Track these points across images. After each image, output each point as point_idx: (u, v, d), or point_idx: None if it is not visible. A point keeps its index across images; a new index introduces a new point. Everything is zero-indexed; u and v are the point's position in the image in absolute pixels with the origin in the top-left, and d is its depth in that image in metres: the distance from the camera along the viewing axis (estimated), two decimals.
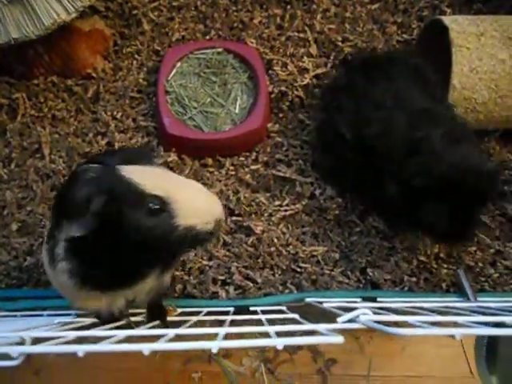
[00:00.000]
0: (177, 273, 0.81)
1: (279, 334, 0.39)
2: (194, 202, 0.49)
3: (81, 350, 0.31)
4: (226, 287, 0.80)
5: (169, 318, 0.57)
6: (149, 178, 0.48)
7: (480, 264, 0.82)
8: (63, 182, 0.75)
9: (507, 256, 0.82)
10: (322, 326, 0.38)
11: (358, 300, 0.69)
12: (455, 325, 0.41)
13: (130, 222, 0.46)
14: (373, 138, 0.67)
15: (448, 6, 0.96)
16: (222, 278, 0.80)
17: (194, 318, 0.53)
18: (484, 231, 0.84)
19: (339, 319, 0.39)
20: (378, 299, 0.69)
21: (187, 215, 0.48)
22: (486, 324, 0.40)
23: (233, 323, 0.56)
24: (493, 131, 0.87)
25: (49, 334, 0.37)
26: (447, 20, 0.77)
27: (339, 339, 0.32)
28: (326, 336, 0.33)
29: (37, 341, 0.38)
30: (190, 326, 0.49)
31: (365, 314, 0.39)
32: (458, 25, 0.76)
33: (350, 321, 0.40)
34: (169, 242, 0.47)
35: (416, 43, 0.89)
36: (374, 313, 0.43)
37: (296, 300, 0.72)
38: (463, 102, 0.76)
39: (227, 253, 0.82)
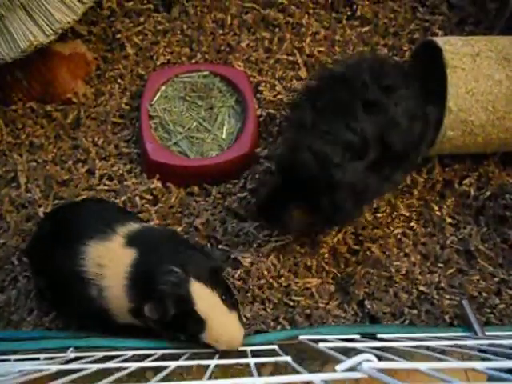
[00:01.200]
0: None
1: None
2: (221, 330, 0.60)
3: None
4: None
5: (145, 364, 0.51)
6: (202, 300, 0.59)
7: (484, 294, 0.77)
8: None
9: None
10: (319, 376, 0.33)
11: (357, 337, 0.63)
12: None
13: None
14: None
15: (439, 28, 0.95)
16: None
17: (174, 363, 0.47)
18: (485, 259, 0.80)
19: (338, 367, 0.34)
20: (379, 336, 0.63)
21: (211, 337, 0.60)
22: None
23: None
24: (492, 154, 0.84)
25: None
26: (440, 41, 0.75)
27: None
28: None
29: None
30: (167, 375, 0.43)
31: (368, 360, 0.34)
32: (452, 45, 0.74)
33: (350, 369, 0.35)
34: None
35: (408, 66, 0.86)
36: (377, 356, 0.37)
37: (289, 337, 0.66)
38: (460, 124, 0.73)
39: None
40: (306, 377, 0.33)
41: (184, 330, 0.61)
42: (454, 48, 0.73)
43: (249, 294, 0.77)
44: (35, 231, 0.76)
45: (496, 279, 0.78)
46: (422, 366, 0.33)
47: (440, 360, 0.38)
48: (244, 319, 0.75)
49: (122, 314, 0.64)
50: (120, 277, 0.62)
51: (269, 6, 0.96)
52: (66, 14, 0.76)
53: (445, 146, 0.76)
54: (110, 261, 0.63)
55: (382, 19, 0.96)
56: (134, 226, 0.66)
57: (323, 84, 0.74)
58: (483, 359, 0.44)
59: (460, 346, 0.52)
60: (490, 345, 0.54)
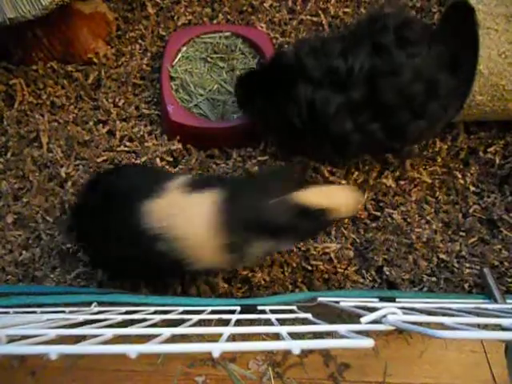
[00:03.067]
0: None
1: (292, 336, 0.34)
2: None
3: (53, 351, 0.26)
4: (232, 285, 0.75)
5: (168, 317, 0.52)
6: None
7: (506, 263, 0.76)
8: None
9: None
10: (343, 327, 0.33)
11: (375, 300, 0.63)
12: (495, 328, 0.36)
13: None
14: None
15: None
16: (227, 275, 0.75)
17: (196, 317, 0.48)
18: (509, 228, 0.79)
19: (363, 319, 0.34)
20: (397, 300, 0.63)
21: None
22: None
23: (239, 323, 0.51)
24: None
25: (27, 331, 0.32)
26: (473, 0, 0.71)
27: (369, 342, 0.27)
28: (353, 339, 0.27)
29: (22, 338, 0.34)
30: (191, 326, 0.44)
31: (393, 313, 0.34)
32: (485, 5, 0.70)
33: (374, 321, 0.35)
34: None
35: (437, 28, 0.83)
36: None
37: (307, 299, 0.66)
38: (490, 88, 0.70)
39: None
40: (330, 327, 0.34)
41: None
42: (488, 8, 0.70)
43: (268, 258, 0.78)
44: (80, 200, 0.74)
45: None
46: (447, 320, 0.33)
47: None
48: (264, 281, 0.76)
49: (204, 258, 0.63)
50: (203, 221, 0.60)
51: None
52: None
53: (472, 112, 0.74)
54: (181, 211, 0.61)
55: None
56: (185, 177, 0.66)
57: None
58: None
59: (479, 312, 0.51)
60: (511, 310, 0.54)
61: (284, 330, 0.33)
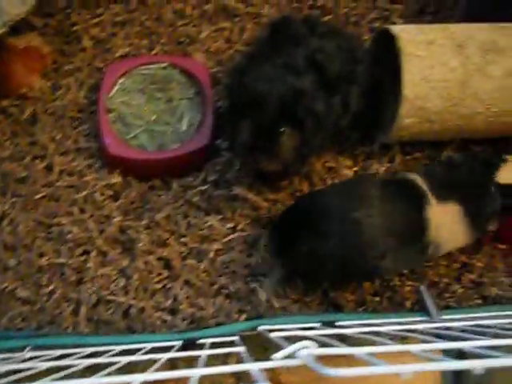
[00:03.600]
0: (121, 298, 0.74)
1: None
2: None
3: None
4: (173, 317, 0.73)
5: (98, 361, 0.50)
6: None
7: (445, 280, 0.78)
8: None
9: (473, 269, 0.79)
10: (255, 365, 0.33)
11: (317, 325, 0.63)
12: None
13: None
14: None
15: (399, 16, 0.95)
16: (167, 306, 0.74)
17: (124, 360, 0.46)
18: None
19: (274, 355, 0.33)
20: (337, 323, 0.64)
21: None
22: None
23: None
24: (450, 142, 0.85)
25: None
26: (395, 29, 0.75)
27: None
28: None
29: None
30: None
31: (306, 347, 0.34)
32: (407, 33, 0.74)
33: (289, 356, 0.34)
34: None
35: (367, 54, 0.86)
36: (323, 344, 0.37)
37: (249, 328, 0.66)
38: (417, 111, 0.73)
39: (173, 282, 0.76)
40: (243, 366, 0.33)
41: None
42: (409, 35, 0.73)
43: (214, 287, 0.77)
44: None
45: (457, 265, 0.79)
46: (358, 351, 0.33)
47: (382, 344, 0.38)
48: (206, 312, 0.75)
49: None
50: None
51: None
52: (15, 5, 0.74)
53: (403, 133, 0.77)
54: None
55: (342, 9, 0.96)
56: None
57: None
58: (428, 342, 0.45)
59: (413, 330, 0.52)
60: (439, 328, 0.55)
61: (196, 372, 0.33)
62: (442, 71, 0.72)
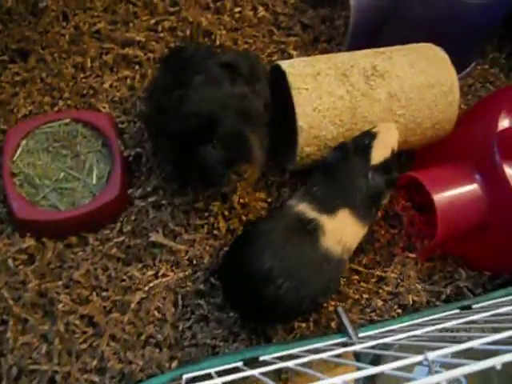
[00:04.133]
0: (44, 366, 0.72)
1: None
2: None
3: None
4: (102, 378, 0.72)
5: None
6: None
7: (365, 295, 0.81)
8: None
9: (389, 281, 0.83)
10: None
11: (240, 365, 0.64)
12: None
13: None
14: None
15: (294, 48, 1.00)
16: (94, 366, 0.72)
17: None
18: (365, 258, 0.84)
19: None
20: (261, 358, 0.64)
21: None
22: None
23: None
24: None
25: None
26: (284, 64, 0.78)
27: None
28: None
29: None
30: None
31: None
32: (295, 68, 0.78)
33: None
34: None
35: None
36: None
37: (174, 378, 0.66)
38: (314, 140, 0.77)
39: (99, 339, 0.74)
40: None
41: None
42: (297, 70, 0.77)
43: (142, 338, 0.76)
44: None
45: (374, 279, 0.83)
46: None
47: None
48: (136, 365, 0.74)
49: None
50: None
51: (127, 44, 0.96)
52: None
53: (306, 161, 0.80)
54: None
55: (241, 45, 1.00)
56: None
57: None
58: None
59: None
60: (361, 347, 0.57)
61: None
62: (330, 100, 0.76)
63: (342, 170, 0.73)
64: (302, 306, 0.70)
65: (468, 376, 0.45)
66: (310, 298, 0.69)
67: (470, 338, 0.41)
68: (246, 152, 0.70)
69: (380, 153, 0.73)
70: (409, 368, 0.58)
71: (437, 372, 0.37)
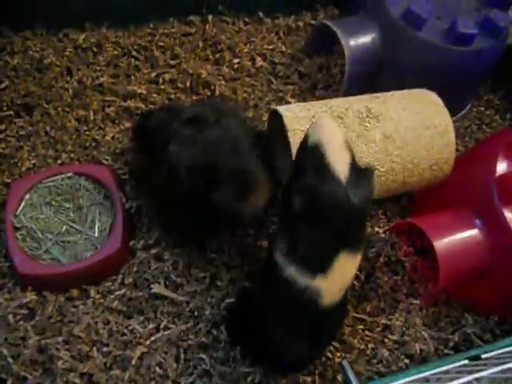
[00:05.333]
0: None
1: None
2: None
3: None
4: None
5: None
6: None
7: (370, 345, 0.80)
8: None
9: (394, 329, 0.81)
10: None
11: None
12: None
13: None
14: None
15: (292, 96, 1.02)
16: None
17: None
18: (369, 306, 0.83)
19: None
20: None
21: None
22: None
23: None
24: None
25: None
26: (281, 109, 0.81)
27: None
28: None
29: None
30: None
31: None
32: (291, 111, 0.80)
33: None
34: None
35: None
36: None
37: None
38: None
39: None
40: None
41: None
42: (293, 113, 0.79)
43: None
44: None
45: (379, 329, 0.81)
46: None
47: None
48: None
49: None
50: None
51: (129, 97, 0.99)
52: None
53: None
54: None
55: (240, 94, 1.02)
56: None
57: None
58: None
59: None
60: None
61: None
62: None
63: (319, 212, 0.59)
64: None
65: None
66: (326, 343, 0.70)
67: None
68: (253, 181, 0.72)
69: (341, 161, 0.59)
70: None
71: None
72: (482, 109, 1.11)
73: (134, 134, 0.89)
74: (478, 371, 0.57)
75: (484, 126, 1.08)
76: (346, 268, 0.62)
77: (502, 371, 0.55)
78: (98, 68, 1.02)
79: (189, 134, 0.74)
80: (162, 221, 0.85)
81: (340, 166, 0.58)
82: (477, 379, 0.62)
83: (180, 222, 0.80)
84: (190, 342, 0.78)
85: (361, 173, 0.61)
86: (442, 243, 0.76)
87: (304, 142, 0.63)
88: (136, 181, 0.87)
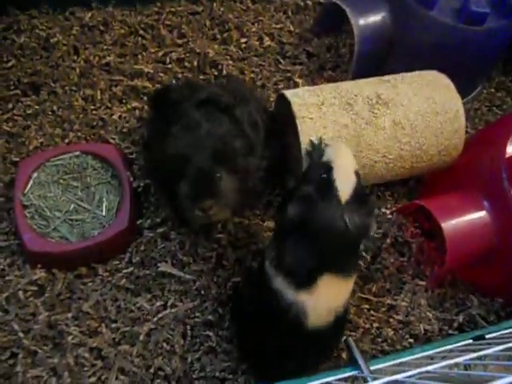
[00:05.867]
0: None
1: None
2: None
3: None
4: None
5: None
6: None
7: (375, 325, 0.80)
8: None
9: (399, 309, 0.82)
10: None
11: None
12: None
13: None
14: None
15: (300, 76, 1.01)
16: None
17: None
18: (375, 286, 0.84)
19: None
20: None
21: None
22: None
23: None
24: None
25: None
26: (289, 94, 0.79)
27: None
28: None
29: None
30: None
31: None
32: (299, 97, 0.79)
33: None
34: None
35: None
36: None
37: None
38: None
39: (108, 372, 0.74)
40: None
41: None
42: (301, 99, 0.78)
43: (150, 371, 0.76)
44: None
45: (384, 309, 0.82)
46: None
47: None
48: None
49: None
50: None
51: (136, 76, 0.98)
52: None
53: None
54: None
55: (248, 74, 1.02)
56: None
57: None
58: None
59: None
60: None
61: None
62: (334, 129, 0.76)
63: (311, 225, 0.59)
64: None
65: None
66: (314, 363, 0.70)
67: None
68: (211, 188, 0.68)
69: (346, 183, 0.59)
70: None
71: None
72: (493, 90, 1.09)
73: (151, 105, 0.89)
74: (481, 350, 0.58)
75: (494, 108, 1.06)
76: (333, 289, 0.61)
77: (505, 349, 0.55)
78: (105, 47, 1.02)
79: (196, 119, 0.72)
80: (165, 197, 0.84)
81: (344, 187, 0.59)
82: (480, 358, 0.62)
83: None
84: (196, 319, 0.79)
85: (363, 201, 0.61)
86: (450, 224, 0.76)
87: (315, 155, 0.66)
88: (147, 153, 0.86)
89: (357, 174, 0.61)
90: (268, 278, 0.63)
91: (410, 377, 0.54)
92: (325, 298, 0.60)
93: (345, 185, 0.59)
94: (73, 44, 1.01)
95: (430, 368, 0.55)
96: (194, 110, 0.74)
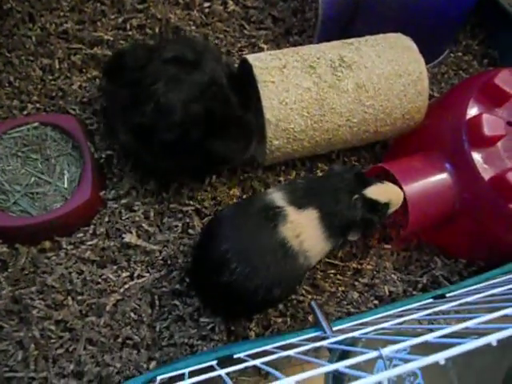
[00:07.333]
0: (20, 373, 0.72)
1: None
2: None
3: None
4: (79, 382, 0.72)
5: None
6: None
7: (341, 288, 0.81)
8: None
9: (365, 273, 0.83)
10: None
11: (214, 363, 0.64)
12: None
13: None
14: None
15: (265, 42, 0.99)
16: (72, 370, 0.72)
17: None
18: (341, 251, 0.85)
19: None
20: (235, 356, 0.64)
21: None
22: None
23: None
24: (324, 155, 0.89)
25: None
26: (251, 58, 0.78)
27: None
28: None
29: None
30: None
31: None
32: (261, 61, 0.77)
33: None
34: None
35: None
36: None
37: (151, 380, 0.65)
38: (282, 133, 0.76)
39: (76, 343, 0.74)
40: None
41: None
42: (263, 63, 0.77)
43: (118, 340, 0.76)
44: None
45: (350, 272, 0.83)
46: None
47: None
48: (113, 368, 0.73)
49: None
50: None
51: (96, 44, 0.95)
52: None
53: (276, 155, 0.80)
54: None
55: (212, 40, 0.99)
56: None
57: None
58: None
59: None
60: (329, 342, 0.57)
61: None
62: (297, 92, 0.75)
63: (334, 178, 0.74)
64: (258, 296, 0.68)
65: (423, 368, 0.45)
66: (264, 287, 0.67)
67: (430, 331, 0.41)
68: (252, 131, 0.78)
69: (378, 192, 0.73)
70: (372, 363, 0.59)
71: (395, 366, 0.37)
72: (460, 54, 1.09)
73: (107, 72, 0.85)
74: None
75: (461, 72, 1.06)
76: (309, 226, 0.70)
77: (459, 305, 0.57)
78: (62, 14, 0.98)
79: (174, 74, 0.73)
80: (141, 162, 0.83)
81: (374, 191, 0.73)
82: (437, 313, 0.64)
83: (163, 163, 0.78)
84: (164, 289, 0.79)
85: (372, 211, 0.74)
86: (412, 187, 0.76)
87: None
88: (109, 124, 0.84)
89: (386, 206, 0.75)
90: (265, 193, 0.74)
91: (366, 333, 0.55)
92: (302, 224, 0.69)
93: (376, 192, 0.74)
94: (27, 11, 0.96)
95: (385, 325, 0.57)
96: (170, 66, 0.73)
